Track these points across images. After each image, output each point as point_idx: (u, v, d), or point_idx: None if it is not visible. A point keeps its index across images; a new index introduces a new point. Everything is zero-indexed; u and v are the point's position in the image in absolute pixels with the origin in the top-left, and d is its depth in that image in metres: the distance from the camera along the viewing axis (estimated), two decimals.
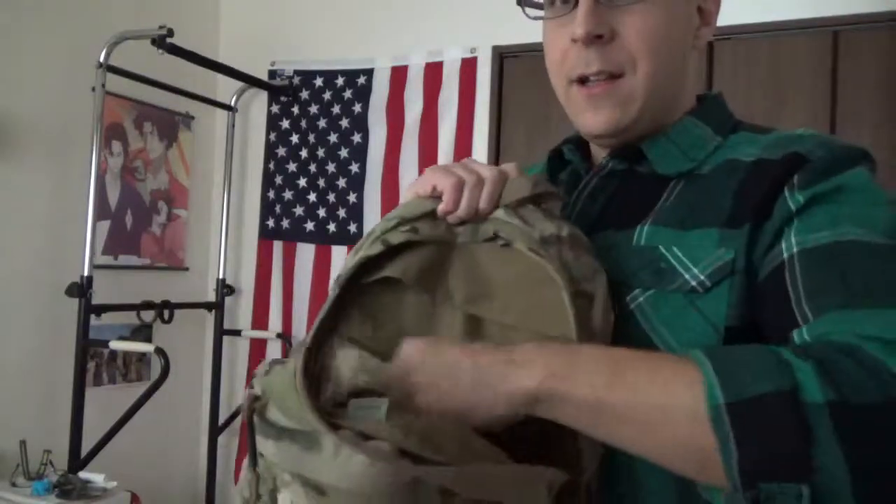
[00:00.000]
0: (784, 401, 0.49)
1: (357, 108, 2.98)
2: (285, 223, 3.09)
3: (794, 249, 0.63)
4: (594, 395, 0.54)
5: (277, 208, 3.11)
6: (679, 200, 0.73)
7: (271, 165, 3.13)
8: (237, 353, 3.17)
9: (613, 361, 0.56)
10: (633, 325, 0.69)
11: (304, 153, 3.06)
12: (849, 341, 0.53)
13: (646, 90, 0.73)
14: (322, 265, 3.00)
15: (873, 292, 0.57)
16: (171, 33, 2.46)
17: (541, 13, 0.78)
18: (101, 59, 2.47)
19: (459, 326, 0.68)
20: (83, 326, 2.41)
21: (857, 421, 0.48)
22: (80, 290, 2.42)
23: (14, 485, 2.26)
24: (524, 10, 0.79)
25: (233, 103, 3.13)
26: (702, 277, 0.67)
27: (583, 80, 0.75)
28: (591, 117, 0.76)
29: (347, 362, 0.62)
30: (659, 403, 0.53)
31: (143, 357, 2.87)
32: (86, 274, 2.43)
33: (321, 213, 3.02)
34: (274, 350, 3.06)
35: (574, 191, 0.81)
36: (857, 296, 0.58)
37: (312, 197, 3.04)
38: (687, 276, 0.67)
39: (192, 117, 3.11)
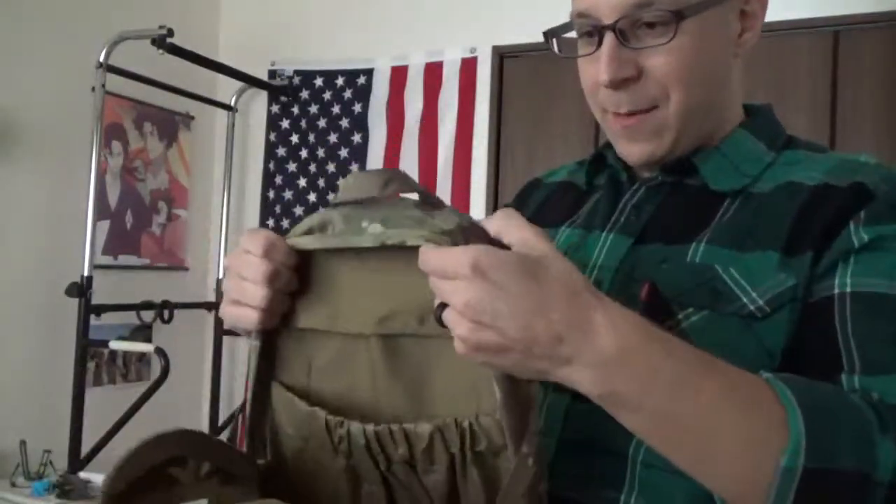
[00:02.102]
0: (858, 481, 0.49)
1: (357, 108, 2.98)
2: (285, 223, 3.08)
3: (848, 289, 0.62)
4: (662, 407, 0.51)
5: (277, 208, 3.11)
6: (736, 220, 0.70)
7: (271, 165, 3.13)
8: (237, 353, 3.16)
9: (693, 367, 0.53)
10: None
11: (304, 153, 3.06)
12: None
13: (680, 119, 0.71)
14: None
15: None
16: (171, 33, 2.46)
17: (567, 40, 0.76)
18: (101, 59, 2.47)
19: (378, 351, 0.63)
20: (83, 326, 2.41)
21: None
22: (80, 290, 2.42)
23: (14, 485, 2.26)
24: (554, 46, 0.76)
25: (233, 103, 3.13)
26: (761, 302, 0.64)
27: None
28: (626, 146, 0.75)
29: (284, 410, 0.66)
30: (736, 434, 0.51)
31: (143, 357, 2.87)
32: (86, 274, 2.43)
33: None
34: None
35: (617, 199, 0.78)
36: None
37: (312, 197, 3.04)
38: (745, 300, 0.65)
39: (192, 117, 3.11)
